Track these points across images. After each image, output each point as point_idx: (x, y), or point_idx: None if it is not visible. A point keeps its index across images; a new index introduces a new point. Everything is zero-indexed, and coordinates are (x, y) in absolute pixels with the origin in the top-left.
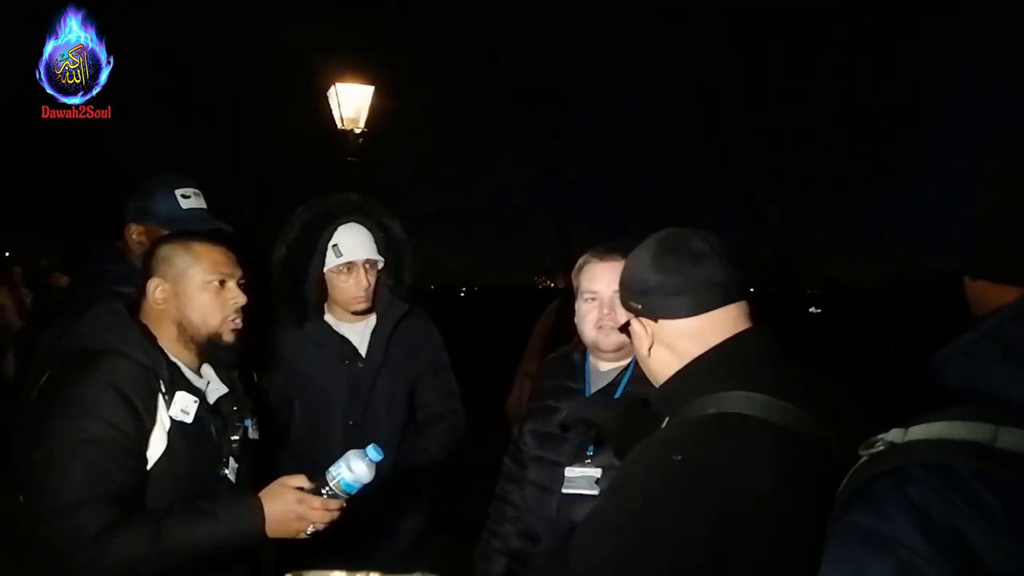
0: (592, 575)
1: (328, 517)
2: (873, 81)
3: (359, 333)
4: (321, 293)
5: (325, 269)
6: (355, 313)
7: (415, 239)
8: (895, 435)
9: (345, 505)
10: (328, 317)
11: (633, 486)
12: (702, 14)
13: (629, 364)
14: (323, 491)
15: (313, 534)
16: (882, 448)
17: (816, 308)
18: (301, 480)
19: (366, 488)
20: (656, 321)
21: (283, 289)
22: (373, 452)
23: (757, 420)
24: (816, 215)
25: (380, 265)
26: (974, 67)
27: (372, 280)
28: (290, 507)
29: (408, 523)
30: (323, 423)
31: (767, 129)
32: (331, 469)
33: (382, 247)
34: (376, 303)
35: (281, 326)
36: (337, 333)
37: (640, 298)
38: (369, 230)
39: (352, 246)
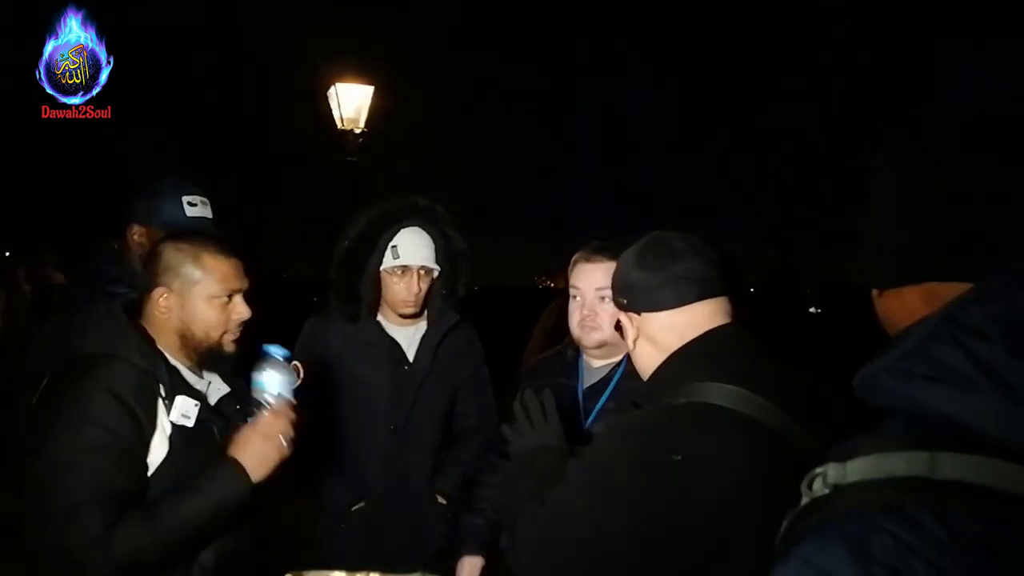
0: (563, 518)
1: (285, 421)
2: (873, 81)
3: (408, 338)
4: (375, 291)
5: (381, 268)
6: (403, 316)
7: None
8: (836, 474)
9: (294, 402)
10: (380, 318)
11: (602, 452)
12: (702, 13)
13: (621, 360)
14: (264, 409)
15: (292, 445)
16: (827, 492)
17: (816, 308)
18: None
19: (293, 383)
20: (639, 314)
21: (339, 283)
22: (273, 350)
23: (725, 410)
24: (816, 215)
25: (435, 273)
26: (974, 67)
27: (424, 286)
28: (252, 440)
29: (436, 531)
30: (365, 424)
31: (767, 129)
32: (253, 388)
33: (441, 255)
34: (428, 310)
35: (333, 319)
36: (387, 335)
37: (625, 293)
38: (431, 237)
39: (410, 250)
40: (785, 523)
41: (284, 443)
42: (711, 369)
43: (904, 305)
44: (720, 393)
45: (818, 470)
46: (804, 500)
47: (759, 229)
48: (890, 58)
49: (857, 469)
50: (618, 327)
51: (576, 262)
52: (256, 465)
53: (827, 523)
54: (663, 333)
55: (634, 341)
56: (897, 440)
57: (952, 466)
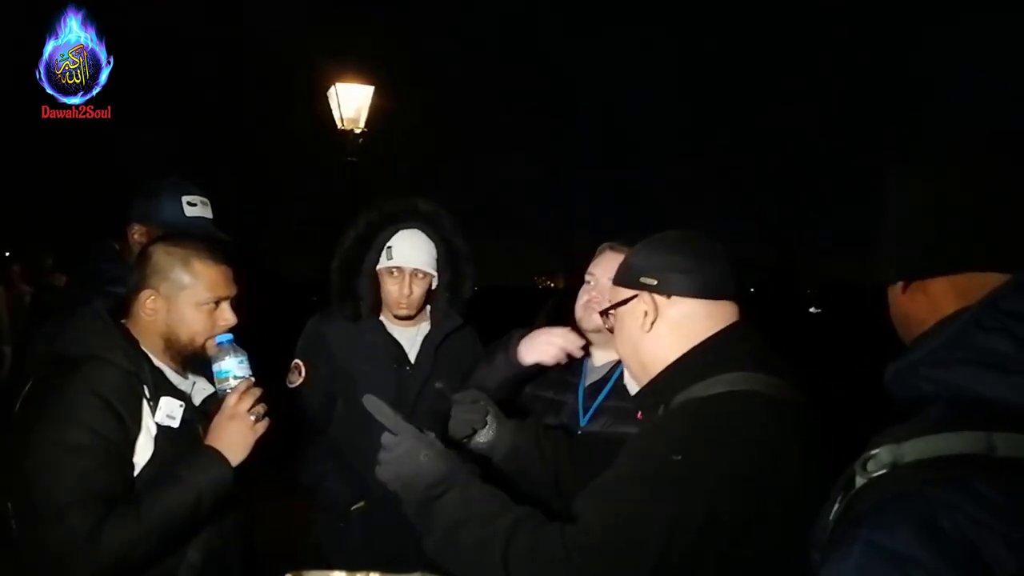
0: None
1: (251, 400)
2: (873, 81)
3: (410, 339)
4: (374, 291)
5: (377, 268)
6: (398, 317)
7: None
8: (892, 453)
9: (252, 379)
10: (382, 318)
11: (660, 444)
12: (702, 13)
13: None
14: (226, 394)
15: (266, 418)
16: (885, 471)
17: (816, 308)
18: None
19: (245, 359)
20: (669, 297)
21: (338, 282)
22: (219, 339)
23: (762, 394)
24: (816, 215)
25: (433, 278)
26: (973, 68)
27: (417, 289)
28: (221, 424)
29: None
30: (365, 424)
31: (767, 129)
32: (216, 381)
33: (442, 259)
34: (432, 311)
35: (334, 319)
36: (389, 336)
37: (658, 274)
38: (431, 240)
39: (405, 252)
40: (837, 506)
41: (254, 419)
42: (738, 361)
43: (931, 298)
44: (761, 382)
45: (872, 452)
46: (859, 481)
47: (759, 229)
48: (890, 58)
49: (913, 450)
50: (604, 315)
51: (602, 250)
52: (231, 447)
53: (888, 502)
54: (688, 321)
55: (651, 324)
56: (945, 423)
57: (1014, 445)
